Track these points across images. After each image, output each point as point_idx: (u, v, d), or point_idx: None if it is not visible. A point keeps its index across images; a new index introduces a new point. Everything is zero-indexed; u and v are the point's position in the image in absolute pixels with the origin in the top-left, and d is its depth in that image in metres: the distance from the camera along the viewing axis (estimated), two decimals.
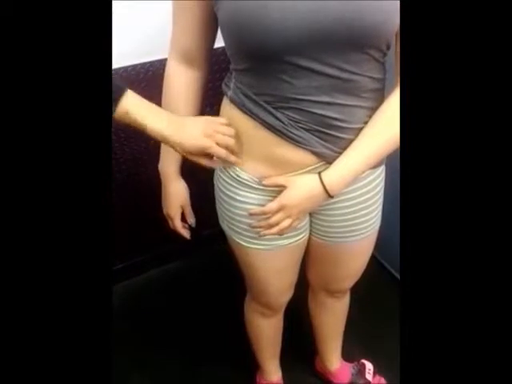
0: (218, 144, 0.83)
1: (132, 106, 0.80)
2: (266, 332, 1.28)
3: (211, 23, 0.83)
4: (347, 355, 1.48)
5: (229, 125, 0.85)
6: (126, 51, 1.35)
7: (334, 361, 1.44)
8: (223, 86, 0.90)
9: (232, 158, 0.86)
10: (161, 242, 1.70)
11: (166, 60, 0.91)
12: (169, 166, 1.00)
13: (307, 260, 1.13)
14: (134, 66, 1.42)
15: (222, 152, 0.84)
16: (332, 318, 1.33)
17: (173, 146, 0.83)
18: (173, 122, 0.84)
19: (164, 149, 0.98)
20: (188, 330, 1.65)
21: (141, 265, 1.85)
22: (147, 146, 1.57)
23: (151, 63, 1.43)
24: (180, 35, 0.88)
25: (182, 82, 0.92)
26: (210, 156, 0.85)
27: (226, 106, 0.89)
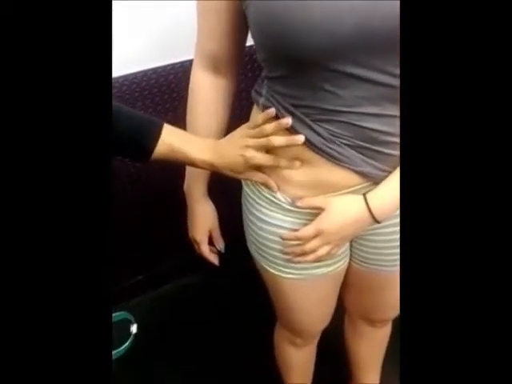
0: (259, 150, 0.74)
1: (174, 138, 0.76)
2: (297, 363, 1.17)
3: (240, 24, 0.72)
4: (384, 382, 1.34)
5: (260, 124, 0.74)
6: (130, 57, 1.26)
7: None
8: (253, 93, 0.79)
9: (270, 182, 0.78)
10: (176, 254, 1.60)
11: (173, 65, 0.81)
12: (195, 187, 0.90)
13: (345, 286, 1.00)
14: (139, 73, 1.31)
15: (266, 158, 0.74)
16: (371, 348, 1.21)
17: (222, 172, 0.78)
18: (212, 147, 0.77)
19: (189, 168, 0.89)
20: (208, 354, 1.52)
21: (155, 279, 1.74)
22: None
23: (155, 70, 1.32)
24: (205, 39, 0.78)
25: (209, 91, 0.82)
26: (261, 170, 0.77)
27: (257, 115, 0.78)
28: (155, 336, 1.57)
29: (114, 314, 0.74)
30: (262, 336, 1.22)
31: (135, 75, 1.29)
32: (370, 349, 1.21)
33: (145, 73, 1.30)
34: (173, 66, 1.31)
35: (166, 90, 1.34)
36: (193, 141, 0.78)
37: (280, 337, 1.15)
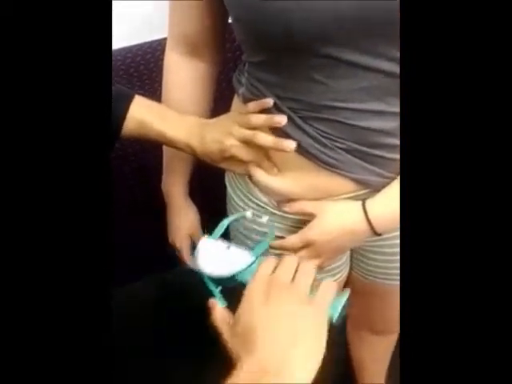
0: (241, 141, 0.62)
1: (146, 113, 0.65)
2: None
3: None
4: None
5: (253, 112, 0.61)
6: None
7: None
8: (234, 80, 0.67)
9: (253, 170, 0.64)
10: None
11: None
12: (173, 186, 0.79)
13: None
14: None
15: (246, 153, 0.62)
16: (375, 355, 1.11)
17: (199, 156, 0.66)
18: (194, 126, 0.65)
19: (167, 163, 0.78)
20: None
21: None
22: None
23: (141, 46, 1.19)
24: (178, 17, 0.66)
25: (184, 76, 0.71)
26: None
27: (238, 106, 0.66)
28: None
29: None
30: None
31: (119, 52, 1.16)
32: (375, 356, 1.11)
33: (129, 49, 1.18)
34: (159, 42, 1.18)
35: (154, 68, 1.21)
36: (170, 117, 0.67)
37: None
